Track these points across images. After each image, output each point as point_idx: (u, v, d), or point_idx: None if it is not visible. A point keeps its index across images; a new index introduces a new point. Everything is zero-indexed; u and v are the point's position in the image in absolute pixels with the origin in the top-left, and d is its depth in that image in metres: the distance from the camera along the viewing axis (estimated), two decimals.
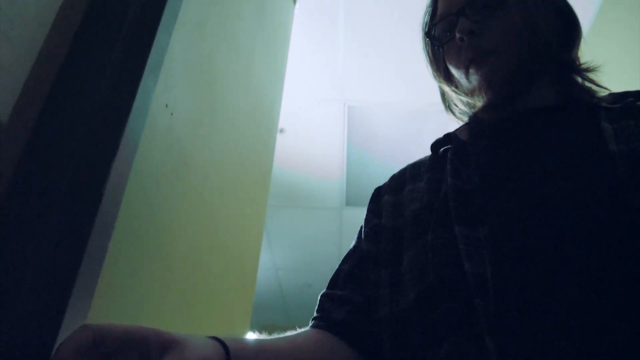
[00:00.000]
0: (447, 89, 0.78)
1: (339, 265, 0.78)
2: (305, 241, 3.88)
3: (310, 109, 3.04)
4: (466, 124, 0.79)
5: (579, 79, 0.73)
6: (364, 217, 0.81)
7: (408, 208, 0.70)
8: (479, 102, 0.72)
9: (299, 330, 0.69)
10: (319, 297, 0.76)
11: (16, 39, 0.61)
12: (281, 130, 3.15)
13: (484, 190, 0.62)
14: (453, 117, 0.81)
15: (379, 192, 0.80)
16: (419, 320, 0.59)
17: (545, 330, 0.49)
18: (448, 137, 0.75)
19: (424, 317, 0.59)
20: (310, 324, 0.73)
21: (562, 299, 0.50)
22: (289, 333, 0.67)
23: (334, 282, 0.76)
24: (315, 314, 0.74)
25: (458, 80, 0.75)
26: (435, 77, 0.80)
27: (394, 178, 0.80)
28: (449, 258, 0.58)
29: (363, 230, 0.78)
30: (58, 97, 0.67)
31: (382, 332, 0.64)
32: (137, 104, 0.69)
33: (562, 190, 0.57)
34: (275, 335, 0.66)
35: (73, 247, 0.59)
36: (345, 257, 0.78)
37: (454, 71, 0.74)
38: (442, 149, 0.74)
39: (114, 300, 0.74)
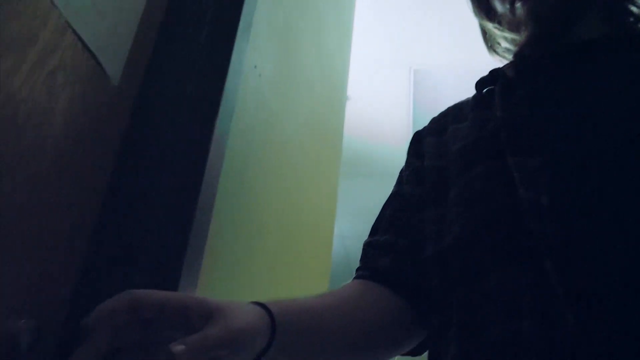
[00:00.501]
0: (489, 26, 0.75)
1: (380, 212, 0.76)
2: (372, 209, 3.87)
3: (375, 75, 3.00)
4: (511, 62, 0.76)
5: (634, 8, 0.68)
6: (405, 161, 0.79)
7: (452, 147, 0.69)
8: (524, 38, 0.69)
9: (342, 286, 0.69)
10: (362, 247, 0.74)
11: (123, 5, 0.64)
12: (347, 98, 3.13)
13: (536, 122, 0.61)
14: (496, 56, 0.78)
15: (419, 136, 0.79)
16: (466, 253, 0.58)
17: (606, 253, 0.49)
18: (494, 74, 0.72)
19: (472, 248, 0.58)
20: (354, 276, 0.72)
21: (622, 224, 0.49)
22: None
23: (375, 229, 0.74)
24: (359, 265, 0.73)
25: (502, 16, 0.71)
26: (476, 14, 0.76)
27: (434, 121, 0.79)
28: (501, 187, 0.58)
29: (404, 174, 0.76)
30: (159, 61, 0.70)
31: (428, 272, 0.63)
32: (232, 64, 0.70)
33: (615, 121, 0.55)
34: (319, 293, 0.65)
35: (183, 206, 0.62)
36: (385, 204, 0.76)
37: (498, 5, 0.71)
38: (485, 89, 0.72)
39: (218, 262, 0.77)
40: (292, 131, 1.17)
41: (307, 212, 1.40)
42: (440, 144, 0.72)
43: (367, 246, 0.73)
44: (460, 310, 0.56)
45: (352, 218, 3.83)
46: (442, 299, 0.60)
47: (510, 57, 0.76)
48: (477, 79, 0.74)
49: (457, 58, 2.85)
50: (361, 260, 0.73)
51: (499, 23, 0.72)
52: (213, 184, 0.66)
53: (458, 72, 2.87)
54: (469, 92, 0.77)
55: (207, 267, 0.69)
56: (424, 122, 0.80)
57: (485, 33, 0.78)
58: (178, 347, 0.42)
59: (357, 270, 0.72)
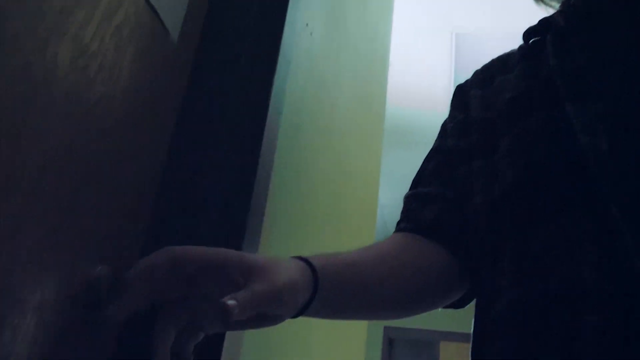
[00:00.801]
0: None
1: (420, 167, 0.74)
2: (410, 178, 3.84)
3: (416, 40, 2.93)
4: (560, 11, 0.72)
5: None
6: (447, 115, 0.77)
7: (500, 98, 0.67)
8: None
9: (384, 240, 0.67)
10: (403, 199, 0.72)
11: None
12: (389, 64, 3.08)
13: (594, 68, 0.59)
14: (543, 5, 0.74)
15: (462, 89, 0.77)
16: (521, 200, 0.57)
17: None
18: (543, 23, 0.69)
19: (527, 196, 0.56)
20: (395, 229, 0.70)
21: None
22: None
23: (417, 182, 0.72)
24: (400, 217, 0.71)
25: None
26: None
27: (478, 73, 0.77)
28: (557, 134, 0.56)
29: (447, 127, 0.74)
30: (216, 17, 0.70)
31: (476, 222, 0.62)
32: (288, 19, 0.70)
33: None
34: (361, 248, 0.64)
35: (245, 162, 0.63)
36: (426, 158, 0.74)
37: None
38: (532, 40, 0.69)
39: (276, 221, 0.78)
40: (339, 94, 1.16)
41: (353, 179, 1.40)
42: (487, 95, 0.70)
43: (410, 198, 0.71)
44: (514, 259, 0.55)
45: (390, 187, 3.81)
46: (492, 249, 0.59)
47: (557, 6, 0.73)
48: (519, 41, 0.72)
49: (499, 21, 2.75)
50: (403, 212, 0.71)
51: None
52: (272, 140, 0.66)
53: (499, 35, 2.78)
54: None
55: (266, 225, 0.70)
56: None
57: None
58: (231, 302, 0.43)
59: (399, 223, 0.70)
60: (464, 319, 5.72)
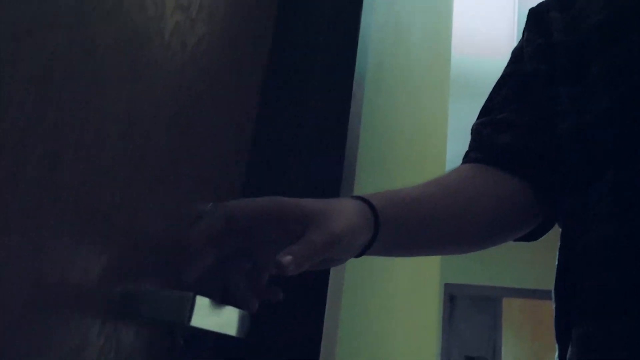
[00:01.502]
0: None
1: (491, 94, 0.69)
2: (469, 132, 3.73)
3: None
4: None
5: None
6: (520, 42, 0.72)
7: (587, 21, 0.62)
8: None
9: (449, 172, 0.63)
10: (471, 129, 0.67)
11: None
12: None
13: None
14: None
15: (538, 12, 0.71)
16: (619, 126, 0.53)
17: None
18: None
19: (627, 121, 0.52)
20: (463, 161, 0.66)
21: None
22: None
23: (488, 109, 0.67)
24: (469, 147, 0.67)
25: None
26: None
27: None
28: None
29: (525, 51, 0.69)
30: None
31: (562, 149, 0.58)
32: None
33: None
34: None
35: (340, 109, 0.62)
36: (497, 85, 0.69)
37: None
38: None
39: (362, 169, 0.78)
40: (411, 39, 1.12)
41: (420, 133, 1.37)
42: (570, 18, 0.65)
43: (480, 126, 0.66)
44: (614, 188, 0.51)
45: (454, 143, 3.72)
46: (583, 178, 0.55)
47: None
48: None
49: None
50: (473, 142, 0.67)
51: None
52: (361, 79, 0.65)
53: None
54: None
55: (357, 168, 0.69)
56: None
57: None
58: (286, 258, 0.42)
59: (467, 154, 0.66)
60: (527, 274, 5.60)
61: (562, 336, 0.58)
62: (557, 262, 0.60)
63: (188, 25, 0.48)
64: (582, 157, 0.56)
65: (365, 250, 0.53)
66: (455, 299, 5.77)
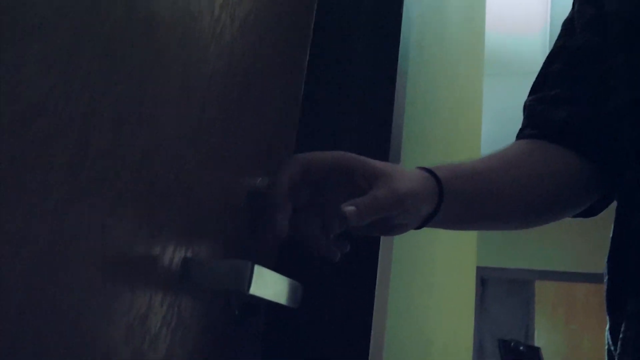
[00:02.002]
0: None
1: (542, 68, 0.67)
2: (503, 112, 3.67)
3: None
4: None
5: None
6: (570, 14, 0.69)
7: None
8: None
9: (505, 147, 0.62)
10: (523, 106, 0.66)
11: None
12: None
13: None
14: None
15: None
16: None
17: None
18: None
19: None
20: (517, 137, 0.65)
21: None
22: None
23: (539, 86, 0.65)
24: (522, 124, 0.65)
25: None
26: None
27: None
28: None
29: (577, 23, 0.67)
30: None
31: (619, 122, 0.56)
32: None
33: None
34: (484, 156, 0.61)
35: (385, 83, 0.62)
36: (547, 60, 0.67)
37: None
38: None
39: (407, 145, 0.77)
40: (448, 16, 1.10)
41: (456, 109, 1.35)
42: None
43: (534, 102, 0.65)
44: None
45: (492, 122, 3.64)
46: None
47: None
48: None
49: None
50: (526, 118, 0.65)
51: None
52: (405, 55, 0.64)
53: None
54: None
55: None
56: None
57: None
58: (349, 208, 0.44)
59: (521, 130, 0.65)
60: (559, 257, 5.50)
61: (615, 310, 0.57)
62: (611, 235, 0.59)
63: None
64: (638, 134, 0.54)
65: (427, 221, 0.53)
66: (487, 283, 5.72)
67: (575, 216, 0.67)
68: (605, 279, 0.58)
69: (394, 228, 0.52)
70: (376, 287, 0.55)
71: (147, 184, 0.38)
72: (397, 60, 0.61)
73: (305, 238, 0.49)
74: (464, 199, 0.55)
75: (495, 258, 5.38)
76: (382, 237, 0.58)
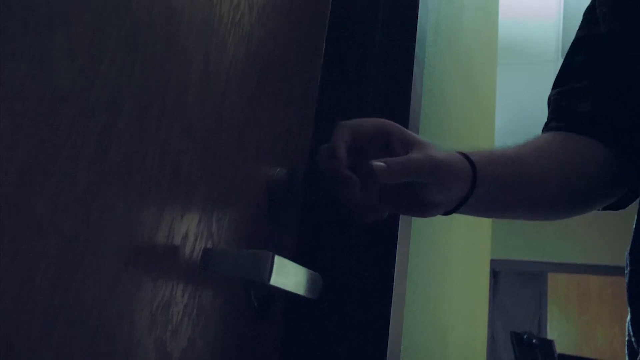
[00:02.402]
0: None
1: (565, 60, 0.66)
2: (516, 102, 3.63)
3: None
4: None
5: None
6: (592, 3, 0.67)
7: None
8: None
9: (534, 137, 0.62)
10: (548, 100, 0.65)
11: None
12: None
13: None
14: None
15: None
16: None
17: None
18: None
19: None
20: (543, 130, 0.64)
21: None
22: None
23: (564, 79, 0.65)
24: (548, 118, 0.65)
25: None
26: None
27: None
28: None
29: (597, 11, 0.65)
30: None
31: None
32: None
33: None
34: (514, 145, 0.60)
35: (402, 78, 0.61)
36: (570, 51, 0.66)
37: None
38: None
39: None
40: (462, 9, 1.08)
41: (471, 97, 1.33)
42: None
43: (558, 95, 0.64)
44: None
45: (505, 112, 3.61)
46: None
47: None
48: None
49: None
50: (552, 112, 0.65)
51: None
52: (423, 41, 0.63)
53: None
54: None
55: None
56: None
57: None
58: (378, 164, 0.44)
59: (547, 124, 0.65)
60: (572, 249, 5.46)
61: (637, 300, 0.56)
62: (634, 226, 0.58)
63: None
64: None
65: (459, 205, 0.52)
66: (498, 275, 5.69)
67: (603, 209, 0.67)
68: (627, 269, 0.57)
69: (427, 206, 0.50)
70: (394, 278, 0.54)
71: (170, 172, 0.38)
72: (414, 49, 0.61)
73: (346, 201, 0.48)
74: (497, 184, 0.54)
75: (507, 250, 5.35)
76: (400, 231, 0.58)
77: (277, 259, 0.42)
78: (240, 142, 0.46)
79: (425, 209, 0.51)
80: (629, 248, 0.58)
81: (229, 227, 0.45)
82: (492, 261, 5.93)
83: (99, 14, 0.31)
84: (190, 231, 0.41)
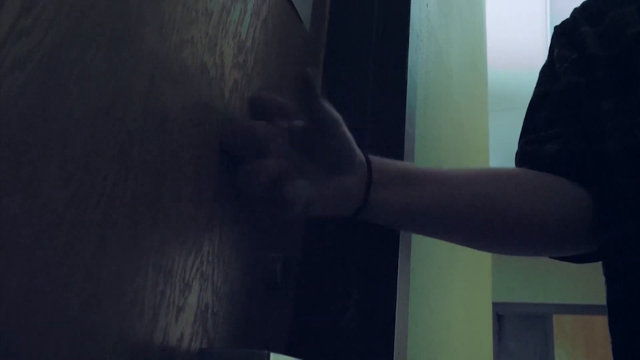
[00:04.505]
0: None
1: (526, 118, 0.67)
2: (510, 145, 3.68)
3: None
4: None
5: None
6: (549, 60, 0.69)
7: (625, 32, 0.60)
8: None
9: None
10: (515, 155, 0.65)
11: None
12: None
13: None
14: None
15: (567, 27, 0.69)
16: None
17: None
18: None
19: None
20: None
21: None
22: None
23: (528, 131, 0.65)
24: (515, 165, 0.65)
25: None
26: None
27: (581, 10, 0.69)
28: None
29: (558, 67, 0.66)
30: (340, 7, 0.69)
31: (612, 168, 0.55)
32: None
33: None
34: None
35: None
36: (533, 107, 0.67)
37: None
38: None
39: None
40: (452, 63, 1.12)
41: (464, 148, 1.35)
42: (602, 33, 0.63)
43: (524, 145, 0.64)
44: None
45: (499, 156, 3.64)
46: (634, 204, 0.52)
47: None
48: None
49: None
50: (518, 161, 0.64)
51: None
52: (413, 111, 0.65)
53: None
54: None
55: None
56: None
57: None
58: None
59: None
60: (576, 289, 5.39)
61: None
62: (607, 299, 0.56)
63: (245, 81, 0.50)
64: (632, 181, 0.54)
65: (361, 207, 0.50)
66: (503, 318, 5.59)
67: (564, 259, 0.66)
68: (611, 340, 0.55)
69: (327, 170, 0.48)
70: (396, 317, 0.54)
71: (165, 273, 0.38)
72: (404, 125, 0.62)
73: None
74: (397, 182, 0.52)
75: (509, 293, 5.28)
76: (398, 283, 0.56)
77: (273, 357, 0.41)
78: (234, 233, 0.47)
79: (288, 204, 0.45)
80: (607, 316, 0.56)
81: (224, 322, 0.45)
82: (496, 304, 5.86)
83: (93, 133, 0.32)
84: (185, 332, 0.41)
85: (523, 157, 0.64)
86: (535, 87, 0.70)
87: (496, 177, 0.59)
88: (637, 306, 0.51)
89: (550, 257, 0.66)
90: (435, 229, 0.58)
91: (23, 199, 0.27)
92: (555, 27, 0.72)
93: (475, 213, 0.55)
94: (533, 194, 0.58)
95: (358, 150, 0.50)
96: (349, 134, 0.48)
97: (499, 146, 3.58)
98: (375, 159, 0.52)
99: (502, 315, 5.56)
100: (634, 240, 0.52)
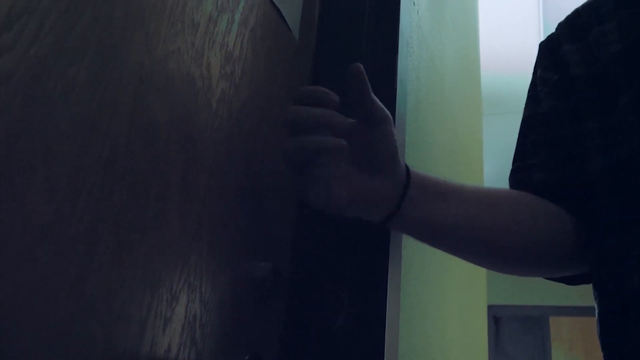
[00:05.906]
0: None
1: (518, 141, 0.68)
2: (505, 149, 3.68)
3: (502, 3, 2.79)
4: None
5: None
6: (533, 79, 0.70)
7: (607, 50, 0.60)
8: None
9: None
10: (508, 179, 0.67)
11: None
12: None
13: None
14: None
15: (550, 45, 0.69)
16: None
17: None
18: None
19: None
20: None
21: None
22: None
23: (520, 156, 0.67)
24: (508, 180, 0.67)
25: None
26: None
27: (564, 27, 0.69)
28: None
29: (540, 90, 0.68)
30: (329, 13, 0.69)
31: (595, 187, 0.57)
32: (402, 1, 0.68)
33: None
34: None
35: None
36: (522, 131, 0.68)
37: None
38: None
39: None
40: (445, 68, 1.12)
41: (459, 152, 1.36)
42: (585, 49, 0.64)
43: (514, 172, 0.66)
44: None
45: (494, 160, 3.65)
46: (618, 220, 0.53)
47: None
48: None
49: None
50: (510, 186, 0.66)
51: None
52: (402, 123, 0.65)
53: None
54: None
55: None
56: None
57: None
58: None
59: None
60: (572, 292, 5.40)
61: None
62: (596, 310, 0.57)
63: (233, 91, 0.50)
64: (615, 199, 0.55)
65: (393, 213, 0.51)
66: (500, 321, 5.60)
67: (558, 280, 0.67)
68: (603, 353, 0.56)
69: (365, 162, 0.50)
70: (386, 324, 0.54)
71: (151, 284, 0.38)
72: (395, 116, 0.62)
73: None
74: (430, 196, 0.53)
75: (506, 295, 5.28)
76: (388, 289, 0.57)
77: None
78: (222, 243, 0.47)
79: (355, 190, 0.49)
80: (598, 329, 0.57)
81: (213, 333, 0.45)
82: (493, 307, 5.84)
83: (77, 146, 0.32)
84: (173, 343, 0.41)
85: (514, 184, 0.66)
86: (524, 109, 0.71)
87: (517, 201, 0.60)
88: (626, 318, 0.51)
89: (544, 278, 0.67)
90: (452, 247, 0.60)
91: (7, 213, 0.28)
92: (540, 44, 0.73)
93: (496, 237, 0.57)
94: (545, 220, 0.60)
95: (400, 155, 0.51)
96: (396, 135, 0.49)
97: (493, 150, 3.60)
98: (412, 167, 0.53)
99: (499, 318, 5.57)
100: (619, 253, 0.52)
